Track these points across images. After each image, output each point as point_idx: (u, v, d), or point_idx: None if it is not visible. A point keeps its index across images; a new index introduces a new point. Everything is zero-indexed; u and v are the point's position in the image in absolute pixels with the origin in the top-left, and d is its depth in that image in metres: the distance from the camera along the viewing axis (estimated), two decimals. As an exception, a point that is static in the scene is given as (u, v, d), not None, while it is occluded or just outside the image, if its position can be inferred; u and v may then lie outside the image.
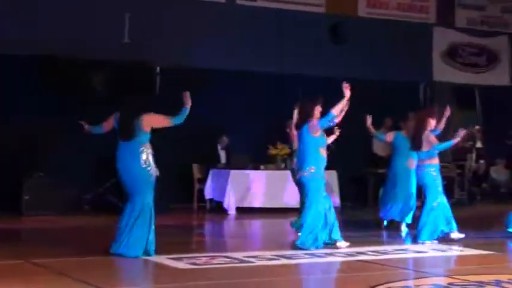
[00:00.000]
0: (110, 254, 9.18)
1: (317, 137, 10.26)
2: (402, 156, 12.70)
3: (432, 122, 11.36)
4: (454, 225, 11.26)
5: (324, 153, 10.28)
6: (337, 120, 10.57)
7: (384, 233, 12.55)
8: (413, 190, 12.65)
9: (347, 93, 10.27)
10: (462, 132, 11.02)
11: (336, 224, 10.27)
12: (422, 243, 10.98)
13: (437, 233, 11.16)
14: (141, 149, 9.43)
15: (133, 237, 9.19)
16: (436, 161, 11.26)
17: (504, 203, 17.00)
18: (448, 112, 12.20)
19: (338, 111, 10.31)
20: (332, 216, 10.24)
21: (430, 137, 11.23)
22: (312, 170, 10.17)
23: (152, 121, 9.57)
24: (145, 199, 9.33)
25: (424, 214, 11.16)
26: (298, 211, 11.28)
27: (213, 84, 16.78)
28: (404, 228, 12.67)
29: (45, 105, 14.95)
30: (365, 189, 17.98)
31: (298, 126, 10.48)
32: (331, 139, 10.79)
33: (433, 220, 11.13)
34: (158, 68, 16.72)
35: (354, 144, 16.45)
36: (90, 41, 15.36)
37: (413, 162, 12.24)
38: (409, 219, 12.70)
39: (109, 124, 9.64)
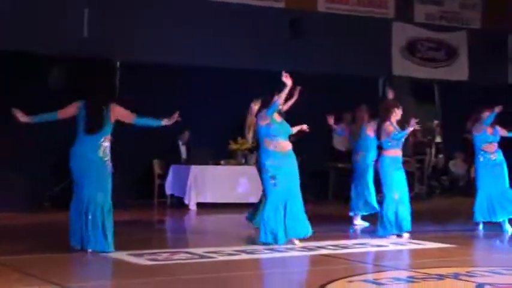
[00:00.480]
0: (70, 251, 9.13)
1: (263, 126, 10.17)
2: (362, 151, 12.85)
3: (398, 112, 11.36)
4: None
5: (268, 143, 10.16)
6: (285, 108, 10.54)
7: (344, 227, 12.59)
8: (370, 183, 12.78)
9: (288, 82, 10.17)
10: (413, 122, 10.99)
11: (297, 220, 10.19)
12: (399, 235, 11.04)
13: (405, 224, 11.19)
14: (101, 140, 9.25)
15: (104, 232, 9.14)
16: (392, 152, 11.25)
17: (463, 196, 17.19)
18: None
19: (282, 100, 10.22)
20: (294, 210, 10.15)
21: (388, 127, 11.21)
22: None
23: (119, 113, 9.40)
24: (104, 192, 9.21)
25: (385, 207, 11.19)
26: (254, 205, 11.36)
27: (174, 80, 16.75)
28: (359, 222, 12.78)
29: (2, 101, 14.79)
30: (326, 184, 18.07)
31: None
32: (295, 129, 10.67)
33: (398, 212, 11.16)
34: (118, 63, 16.64)
35: (314, 139, 16.49)
36: (49, 36, 15.25)
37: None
38: (365, 211, 12.83)
39: (68, 112, 9.31)
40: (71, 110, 9.32)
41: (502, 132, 12.29)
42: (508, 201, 11.98)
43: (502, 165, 12.13)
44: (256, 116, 10.43)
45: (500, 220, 11.98)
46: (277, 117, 10.20)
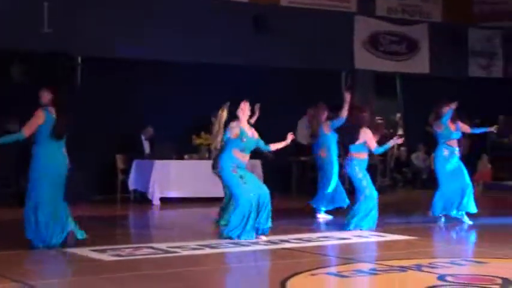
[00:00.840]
0: (32, 248, 9.08)
1: (234, 139, 10.20)
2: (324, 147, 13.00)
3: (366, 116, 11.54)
4: None
5: (238, 155, 10.20)
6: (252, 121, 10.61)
7: (308, 221, 12.64)
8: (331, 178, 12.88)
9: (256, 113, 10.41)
10: (395, 139, 11.36)
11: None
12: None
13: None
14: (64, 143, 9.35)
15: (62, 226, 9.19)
16: (362, 155, 11.40)
17: (425, 189, 17.32)
18: (348, 98, 12.43)
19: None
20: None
21: (368, 134, 11.40)
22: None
23: None
24: (62, 188, 9.30)
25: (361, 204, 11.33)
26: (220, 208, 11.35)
27: (136, 75, 16.69)
28: (323, 215, 12.86)
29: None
30: (289, 178, 18.11)
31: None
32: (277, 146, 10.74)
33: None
34: (79, 58, 16.54)
35: (276, 133, 16.51)
36: (8, 31, 15.08)
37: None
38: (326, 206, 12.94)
39: (33, 127, 9.16)
40: (35, 123, 9.18)
41: (464, 128, 12.37)
42: (467, 196, 12.11)
43: (461, 162, 12.24)
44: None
45: (459, 215, 12.11)
46: (249, 131, 10.24)
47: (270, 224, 10.14)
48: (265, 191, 10.18)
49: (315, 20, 18.89)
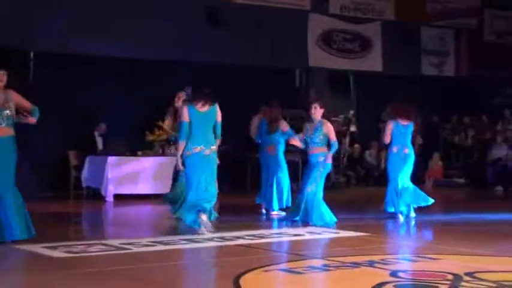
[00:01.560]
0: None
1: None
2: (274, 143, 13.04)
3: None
4: None
5: None
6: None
7: (261, 217, 12.67)
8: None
9: None
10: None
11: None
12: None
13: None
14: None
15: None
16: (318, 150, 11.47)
17: (378, 186, 17.45)
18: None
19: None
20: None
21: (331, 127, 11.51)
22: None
23: (19, 101, 9.19)
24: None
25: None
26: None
27: (90, 70, 16.57)
28: (276, 213, 12.90)
29: None
30: (243, 174, 18.12)
31: None
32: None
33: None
34: (32, 53, 16.38)
35: (231, 130, 16.51)
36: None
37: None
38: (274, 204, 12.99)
39: None
40: None
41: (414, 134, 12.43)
42: (409, 193, 12.22)
43: (411, 159, 12.31)
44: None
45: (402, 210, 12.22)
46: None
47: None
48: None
49: (269, 17, 18.93)
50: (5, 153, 9.05)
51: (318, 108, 11.38)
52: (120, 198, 15.39)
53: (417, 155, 12.71)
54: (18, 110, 9.18)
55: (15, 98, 9.13)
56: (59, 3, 16.28)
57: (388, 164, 12.39)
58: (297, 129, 12.58)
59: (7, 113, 9.00)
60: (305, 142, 11.51)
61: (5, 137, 9.04)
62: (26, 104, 9.25)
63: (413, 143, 12.44)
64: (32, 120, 9.28)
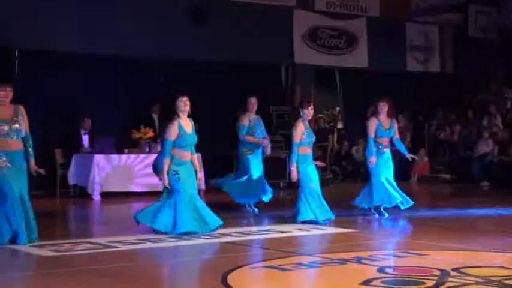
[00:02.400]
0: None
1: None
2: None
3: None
4: None
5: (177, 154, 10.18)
6: None
7: (248, 214, 12.67)
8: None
9: None
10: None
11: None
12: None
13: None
14: None
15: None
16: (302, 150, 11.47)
17: (365, 182, 17.44)
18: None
19: None
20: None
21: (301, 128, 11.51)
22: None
23: (25, 119, 9.32)
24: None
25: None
26: None
27: (75, 68, 16.52)
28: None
29: None
30: (230, 171, 18.07)
31: None
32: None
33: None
34: (17, 51, 16.32)
35: (219, 126, 16.53)
36: None
37: None
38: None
39: None
40: None
41: (396, 134, 12.36)
42: (397, 190, 12.23)
43: (390, 158, 12.34)
44: None
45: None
46: (187, 127, 10.12)
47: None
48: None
49: (254, 14, 18.93)
50: (21, 161, 9.18)
51: (311, 109, 11.45)
52: (107, 196, 15.36)
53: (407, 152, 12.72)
54: None
55: (24, 115, 9.24)
56: (46, 2, 16.23)
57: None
58: (283, 124, 12.60)
59: (16, 127, 9.10)
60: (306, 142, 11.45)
61: (17, 151, 9.15)
62: (26, 128, 9.29)
63: (402, 140, 12.42)
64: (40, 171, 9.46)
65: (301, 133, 11.27)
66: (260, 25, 18.87)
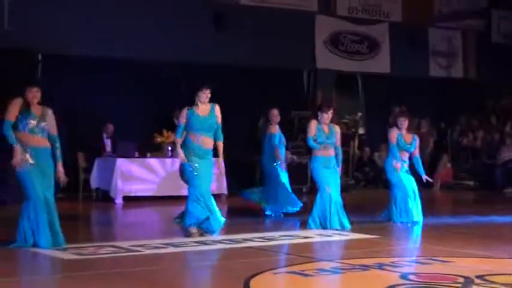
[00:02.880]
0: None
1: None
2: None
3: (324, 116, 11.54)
4: None
5: (193, 138, 10.17)
6: None
7: (271, 220, 12.66)
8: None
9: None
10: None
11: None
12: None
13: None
14: None
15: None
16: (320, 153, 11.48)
17: (387, 188, 17.39)
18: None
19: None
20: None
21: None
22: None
23: (52, 122, 9.45)
24: None
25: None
26: None
27: (97, 72, 16.58)
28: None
29: None
30: (252, 176, 18.09)
31: None
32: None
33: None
34: (40, 55, 16.41)
35: (240, 131, 16.54)
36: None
37: None
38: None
39: (15, 113, 9.14)
40: (17, 109, 9.17)
41: (416, 151, 12.32)
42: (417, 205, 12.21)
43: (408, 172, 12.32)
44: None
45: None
46: (201, 112, 10.16)
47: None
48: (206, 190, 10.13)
49: (276, 19, 18.93)
50: (47, 161, 9.26)
51: (331, 114, 11.46)
52: (129, 200, 15.39)
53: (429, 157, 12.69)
54: None
55: (51, 118, 9.38)
56: (67, 6, 16.31)
57: (391, 175, 12.34)
58: (305, 129, 12.56)
59: (43, 125, 9.23)
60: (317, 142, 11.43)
61: (44, 148, 9.25)
62: (54, 130, 9.43)
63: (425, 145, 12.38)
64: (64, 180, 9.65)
65: (314, 128, 11.33)
66: (282, 30, 18.87)
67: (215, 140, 10.23)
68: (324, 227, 11.19)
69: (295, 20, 19.29)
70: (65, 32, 16.14)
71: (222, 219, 10.21)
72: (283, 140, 13.28)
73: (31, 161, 9.10)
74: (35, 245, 9.03)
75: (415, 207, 12.13)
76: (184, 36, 17.60)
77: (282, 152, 13.18)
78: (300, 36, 19.47)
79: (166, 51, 17.38)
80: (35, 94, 9.24)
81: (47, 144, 9.28)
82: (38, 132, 9.18)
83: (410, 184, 12.12)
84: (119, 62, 16.83)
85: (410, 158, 12.29)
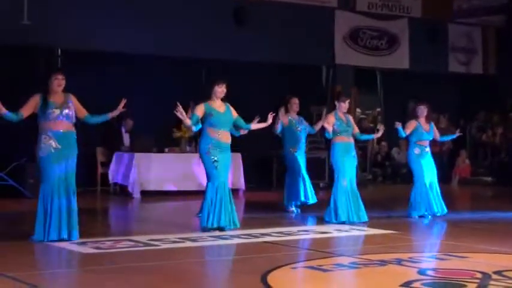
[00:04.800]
0: (9, 239, 9.08)
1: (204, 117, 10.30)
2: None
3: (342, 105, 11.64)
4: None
5: (212, 133, 10.20)
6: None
7: (289, 215, 12.66)
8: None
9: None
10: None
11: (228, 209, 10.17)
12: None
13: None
14: None
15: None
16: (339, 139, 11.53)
17: (404, 184, 17.38)
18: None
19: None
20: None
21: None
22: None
23: (76, 105, 9.55)
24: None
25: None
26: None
27: (117, 67, 16.63)
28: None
29: None
30: (270, 171, 18.12)
31: None
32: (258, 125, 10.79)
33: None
34: (59, 50, 16.47)
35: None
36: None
37: None
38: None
39: (32, 107, 9.24)
40: (31, 107, 9.24)
41: (436, 134, 12.43)
42: (437, 196, 12.18)
43: (432, 159, 12.33)
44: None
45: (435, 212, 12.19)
46: (219, 108, 10.21)
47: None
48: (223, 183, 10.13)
49: (296, 15, 18.90)
50: (70, 146, 9.35)
51: (349, 103, 11.70)
52: (147, 194, 15.44)
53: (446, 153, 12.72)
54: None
55: (75, 102, 9.55)
56: (86, 1, 16.35)
57: (413, 165, 12.36)
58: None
59: (67, 112, 9.32)
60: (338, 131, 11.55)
61: (68, 132, 9.35)
62: (83, 111, 9.64)
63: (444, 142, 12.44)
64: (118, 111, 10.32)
65: (331, 123, 11.46)
66: (301, 26, 18.84)
67: (242, 129, 10.46)
68: (341, 220, 11.20)
69: (314, 16, 19.25)
70: (84, 26, 16.16)
71: (236, 224, 10.23)
72: (303, 126, 13.15)
73: (57, 145, 9.19)
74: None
75: (435, 199, 12.13)
76: (204, 32, 17.59)
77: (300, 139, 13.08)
78: (320, 31, 19.44)
79: (187, 46, 17.38)
80: (60, 82, 9.36)
81: (71, 129, 9.39)
82: (63, 118, 9.29)
83: (429, 175, 12.14)
84: (138, 57, 16.85)
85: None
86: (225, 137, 10.21)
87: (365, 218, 11.35)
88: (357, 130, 11.95)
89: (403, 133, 12.21)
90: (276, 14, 18.56)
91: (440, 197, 12.25)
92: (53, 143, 9.19)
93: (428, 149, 12.28)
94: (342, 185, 11.36)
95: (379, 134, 12.89)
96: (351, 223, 11.19)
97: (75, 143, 9.42)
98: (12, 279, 6.94)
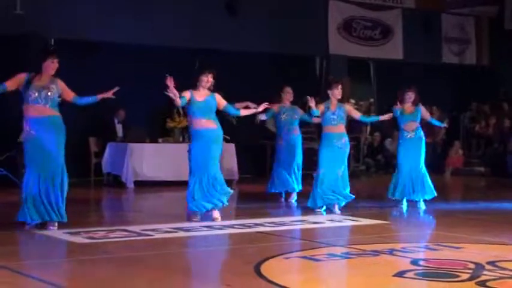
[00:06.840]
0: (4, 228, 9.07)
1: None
2: None
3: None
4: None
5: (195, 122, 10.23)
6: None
7: (282, 205, 12.67)
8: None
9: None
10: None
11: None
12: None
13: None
14: None
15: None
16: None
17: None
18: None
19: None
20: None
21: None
22: None
23: (63, 88, 9.40)
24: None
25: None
26: None
27: (109, 57, 16.58)
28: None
29: None
30: (263, 161, 18.11)
31: None
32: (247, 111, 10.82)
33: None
34: (52, 40, 16.41)
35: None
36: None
37: None
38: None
39: (16, 83, 9.12)
40: (16, 82, 9.13)
41: (426, 115, 12.42)
42: (422, 182, 12.19)
43: (419, 143, 12.27)
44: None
45: (417, 199, 12.20)
46: (200, 96, 10.21)
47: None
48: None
49: (289, 5, 18.86)
50: (51, 133, 9.19)
51: (341, 89, 11.48)
52: (140, 184, 15.43)
53: (439, 143, 12.72)
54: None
55: (61, 85, 9.37)
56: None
57: (398, 150, 12.41)
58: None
59: (48, 94, 9.14)
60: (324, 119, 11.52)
61: (47, 117, 9.17)
62: (70, 95, 9.51)
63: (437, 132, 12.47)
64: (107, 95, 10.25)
65: (322, 107, 11.43)
66: (295, 16, 18.81)
67: (231, 116, 10.44)
68: (318, 206, 11.24)
69: (308, 6, 19.23)
70: (78, 16, 16.11)
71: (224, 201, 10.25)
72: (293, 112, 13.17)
73: (32, 132, 9.09)
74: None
75: (417, 185, 12.14)
76: (196, 22, 17.56)
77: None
78: (313, 22, 19.42)
79: (179, 36, 17.34)
80: (56, 65, 9.26)
81: (52, 113, 9.20)
82: (40, 102, 9.09)
83: (410, 160, 12.12)
84: (131, 48, 16.81)
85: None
86: (205, 125, 10.13)
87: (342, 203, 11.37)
88: (358, 114, 11.95)
89: (398, 111, 12.22)
90: (269, 4, 18.53)
91: (426, 182, 12.21)
92: (28, 128, 9.11)
93: (413, 134, 12.21)
94: (318, 174, 11.35)
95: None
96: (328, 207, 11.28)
97: (58, 128, 9.25)
98: (4, 269, 6.92)
